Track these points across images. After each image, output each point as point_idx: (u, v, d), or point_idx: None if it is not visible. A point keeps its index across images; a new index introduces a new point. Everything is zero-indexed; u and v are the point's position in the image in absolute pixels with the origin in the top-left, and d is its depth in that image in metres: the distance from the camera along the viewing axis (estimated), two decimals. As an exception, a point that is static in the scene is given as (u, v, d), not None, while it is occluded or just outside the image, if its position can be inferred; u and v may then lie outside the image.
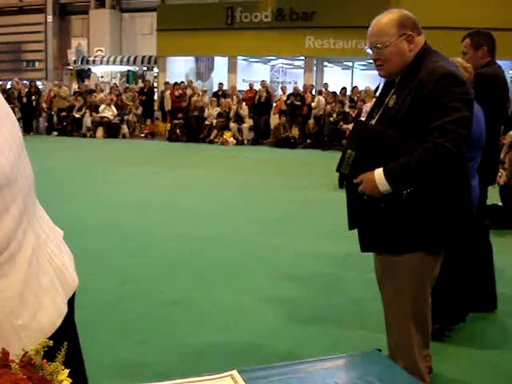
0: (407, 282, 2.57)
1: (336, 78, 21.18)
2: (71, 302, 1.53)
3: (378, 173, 2.43)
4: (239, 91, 18.81)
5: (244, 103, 17.43)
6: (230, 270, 5.32)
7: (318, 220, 7.45)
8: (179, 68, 21.34)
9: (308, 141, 16.92)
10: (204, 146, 16.60)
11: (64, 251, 1.53)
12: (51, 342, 1.18)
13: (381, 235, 2.58)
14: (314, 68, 20.68)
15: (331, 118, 16.36)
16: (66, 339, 1.33)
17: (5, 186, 1.18)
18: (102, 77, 22.51)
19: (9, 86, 19.66)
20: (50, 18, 23.62)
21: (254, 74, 22.32)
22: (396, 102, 2.51)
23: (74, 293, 1.55)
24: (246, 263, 5.54)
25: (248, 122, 17.23)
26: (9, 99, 18.01)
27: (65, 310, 1.44)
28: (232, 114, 17.37)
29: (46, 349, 1.18)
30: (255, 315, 4.27)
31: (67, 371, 1.17)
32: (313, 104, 17.02)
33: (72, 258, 1.58)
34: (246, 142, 17.07)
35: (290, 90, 17.96)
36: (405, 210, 2.47)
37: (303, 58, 20.19)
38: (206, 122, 17.63)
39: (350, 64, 22.76)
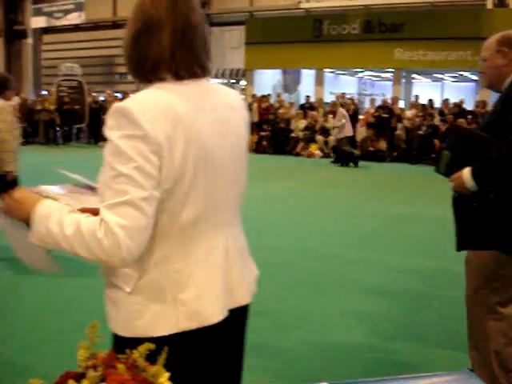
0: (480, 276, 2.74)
1: (425, 91, 20.76)
2: (241, 317, 1.66)
3: (467, 170, 2.61)
4: (325, 103, 18.80)
5: (330, 116, 17.41)
6: (315, 283, 5.32)
7: (406, 235, 7.31)
8: (266, 81, 21.56)
9: (395, 154, 16.65)
10: (290, 158, 16.67)
11: (246, 266, 1.67)
12: (153, 345, 1.25)
13: (475, 233, 2.71)
14: (403, 80, 20.37)
15: (420, 132, 16.05)
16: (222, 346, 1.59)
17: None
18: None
19: (102, 98, 20.50)
20: (142, 32, 24.50)
21: (341, 86, 22.23)
22: (493, 109, 2.81)
23: (245, 312, 1.67)
24: (332, 277, 5.52)
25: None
26: (102, 110, 18.82)
27: (224, 313, 1.55)
28: (318, 126, 17.35)
29: (148, 352, 1.25)
30: (340, 329, 4.25)
31: (168, 374, 1.23)
32: (407, 115, 16.74)
33: (253, 278, 1.70)
34: (331, 154, 17.03)
35: (378, 103, 17.77)
36: (495, 209, 2.60)
37: (392, 70, 19.93)
38: (293, 135, 17.69)
39: (440, 76, 22.25)
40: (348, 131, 15.09)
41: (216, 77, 22.01)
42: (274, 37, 19.56)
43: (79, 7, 25.27)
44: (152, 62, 1.49)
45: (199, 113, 1.46)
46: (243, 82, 21.63)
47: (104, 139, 1.43)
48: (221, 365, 1.62)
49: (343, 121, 14.91)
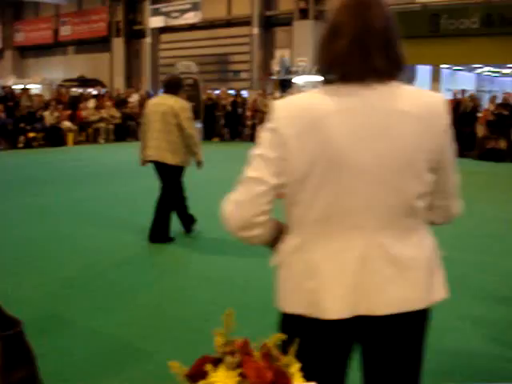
0: None
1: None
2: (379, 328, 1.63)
3: None
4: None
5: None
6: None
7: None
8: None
9: (516, 153, 15.89)
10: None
11: (401, 280, 1.60)
12: (284, 336, 1.29)
13: None
14: (526, 76, 19.38)
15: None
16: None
17: None
18: (303, 86, 23.12)
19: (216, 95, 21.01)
20: (255, 31, 24.77)
21: (458, 82, 21.47)
22: None
23: (387, 324, 1.62)
24: (447, 280, 5.37)
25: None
26: (216, 107, 19.29)
27: (344, 314, 1.57)
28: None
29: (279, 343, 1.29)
30: (454, 333, 4.14)
31: (299, 365, 1.27)
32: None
33: (413, 294, 1.63)
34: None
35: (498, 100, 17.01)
36: None
37: (513, 65, 19.03)
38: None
39: None
40: None
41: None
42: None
43: (195, 7, 25.98)
44: (327, 65, 1.60)
45: (343, 115, 1.53)
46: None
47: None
48: (336, 363, 1.68)
49: None
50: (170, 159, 6.24)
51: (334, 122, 1.52)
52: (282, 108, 1.58)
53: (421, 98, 1.61)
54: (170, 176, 6.37)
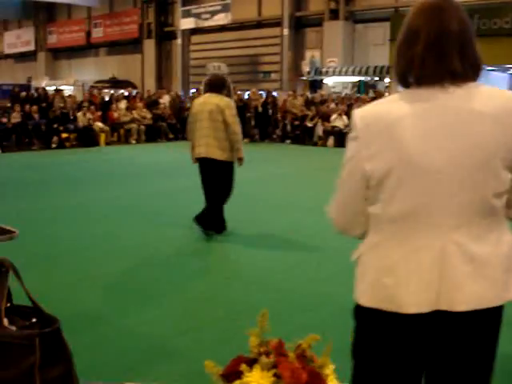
0: None
1: None
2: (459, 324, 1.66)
3: None
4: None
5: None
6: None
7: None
8: (411, 77, 21.04)
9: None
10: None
11: (481, 277, 1.63)
12: (318, 337, 1.29)
13: None
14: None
15: None
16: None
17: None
18: (333, 87, 23.05)
19: (246, 96, 21.02)
20: (286, 31, 24.75)
21: (491, 83, 21.13)
22: None
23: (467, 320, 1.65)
24: None
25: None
26: (246, 108, 19.31)
27: (421, 308, 1.63)
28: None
29: (314, 343, 1.30)
30: None
31: (333, 366, 1.27)
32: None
33: (491, 291, 1.65)
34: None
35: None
36: None
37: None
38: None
39: None
40: None
41: (359, 74, 21.82)
42: (420, 32, 19.02)
43: (226, 8, 26.07)
44: (404, 69, 1.68)
45: (416, 118, 1.61)
46: (387, 80, 21.26)
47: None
48: (414, 359, 1.73)
49: None
50: (219, 155, 6.43)
51: (408, 124, 1.60)
52: (359, 116, 1.69)
53: (498, 98, 1.64)
54: (221, 171, 6.53)
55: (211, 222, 6.68)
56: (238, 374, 1.22)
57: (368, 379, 1.71)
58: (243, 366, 1.21)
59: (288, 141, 19.40)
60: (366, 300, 1.70)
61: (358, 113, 1.70)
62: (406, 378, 1.74)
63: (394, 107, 1.64)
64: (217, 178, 6.56)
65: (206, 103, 6.51)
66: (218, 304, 4.68)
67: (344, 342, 3.67)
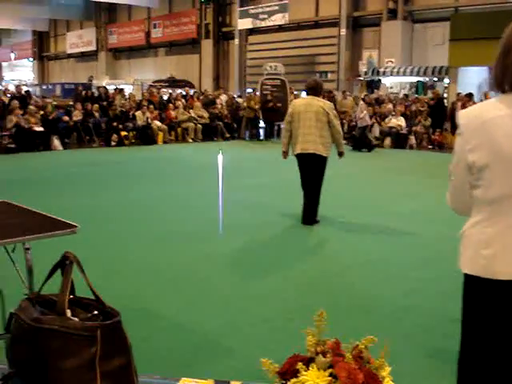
0: None
1: None
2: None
3: None
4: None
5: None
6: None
7: None
8: (471, 79, 20.57)
9: None
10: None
11: None
12: (376, 339, 1.29)
13: None
14: None
15: None
16: None
17: None
18: (391, 87, 22.76)
19: (303, 95, 20.96)
20: (343, 31, 24.58)
21: None
22: None
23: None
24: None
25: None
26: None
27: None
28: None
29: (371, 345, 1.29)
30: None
31: (389, 368, 1.26)
32: None
33: None
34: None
35: None
36: None
37: None
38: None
39: None
40: None
41: (418, 74, 21.47)
42: (481, 32, 18.52)
43: (283, 8, 26.09)
44: (501, 77, 1.99)
45: (507, 118, 1.92)
46: (446, 80, 20.84)
47: None
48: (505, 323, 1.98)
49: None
50: (323, 151, 7.22)
51: (501, 124, 1.92)
52: (462, 116, 2.04)
53: None
54: (322, 166, 7.32)
55: (314, 212, 7.46)
56: (295, 373, 1.22)
57: (473, 342, 2.03)
58: (300, 365, 1.22)
59: (344, 141, 19.22)
60: (468, 269, 2.03)
61: (462, 113, 2.06)
62: (508, 340, 1.98)
63: (491, 108, 1.96)
64: (318, 170, 7.34)
65: (310, 105, 7.28)
66: (271, 303, 4.70)
67: (399, 345, 3.64)
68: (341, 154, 7.61)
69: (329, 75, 25.52)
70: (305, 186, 7.48)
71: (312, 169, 7.36)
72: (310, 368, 1.22)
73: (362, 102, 18.07)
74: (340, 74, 24.75)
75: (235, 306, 4.62)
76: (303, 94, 21.28)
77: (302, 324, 1.39)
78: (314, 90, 7.48)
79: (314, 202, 7.44)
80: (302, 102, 7.53)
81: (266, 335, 4.04)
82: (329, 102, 7.57)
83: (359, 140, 17.26)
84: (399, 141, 17.80)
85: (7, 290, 3.56)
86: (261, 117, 20.40)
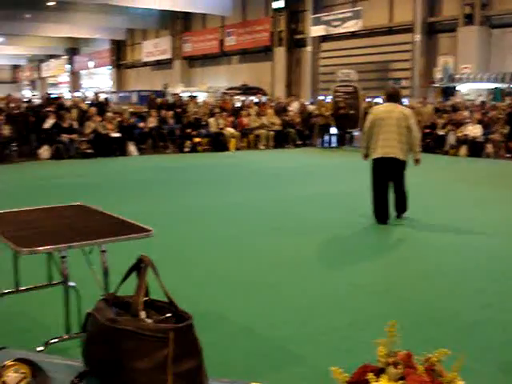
0: None
1: None
2: None
3: None
4: None
5: None
6: None
7: None
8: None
9: None
10: None
11: None
12: (449, 352, 1.25)
13: None
14: None
15: None
16: None
17: None
18: (467, 94, 22.18)
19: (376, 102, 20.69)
20: (417, 37, 24.15)
21: None
22: None
23: None
24: None
25: None
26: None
27: None
28: None
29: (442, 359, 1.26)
30: None
31: (462, 383, 1.23)
32: None
33: None
34: None
35: None
36: None
37: None
38: None
39: None
40: None
41: (495, 81, 20.84)
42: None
43: (357, 15, 25.90)
44: None
45: None
46: (525, 87, 20.15)
47: None
48: None
49: None
50: (402, 156, 7.58)
51: None
52: None
53: None
54: (402, 168, 7.70)
55: (404, 205, 7.92)
56: (365, 383, 1.21)
57: None
58: (370, 375, 1.20)
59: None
60: None
61: None
62: None
63: None
64: (398, 173, 7.74)
65: (391, 111, 7.62)
66: (342, 311, 4.66)
67: (473, 359, 3.53)
68: (417, 161, 7.82)
69: (402, 82, 25.10)
70: (378, 188, 7.79)
71: (391, 172, 7.71)
72: (381, 379, 1.20)
73: None
74: (414, 81, 24.31)
75: (305, 313, 4.60)
76: (376, 100, 21.09)
77: (372, 333, 1.38)
78: (394, 97, 7.85)
79: (402, 196, 7.86)
80: (382, 109, 7.83)
81: (335, 344, 4.01)
82: (409, 109, 7.99)
83: None
84: (475, 149, 17.30)
85: (84, 291, 3.69)
86: (333, 124, 20.30)
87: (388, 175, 7.74)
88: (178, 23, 38.04)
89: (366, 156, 7.92)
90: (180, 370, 1.36)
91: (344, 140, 20.62)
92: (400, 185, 7.81)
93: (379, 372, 1.22)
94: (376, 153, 7.64)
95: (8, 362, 1.43)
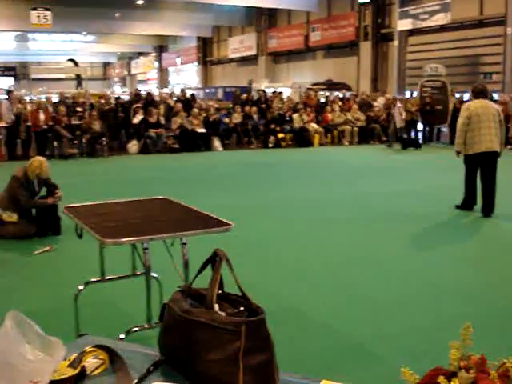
0: None
1: None
2: None
3: None
4: None
5: None
6: None
7: None
8: None
9: None
10: None
11: None
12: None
13: None
14: None
15: None
16: None
17: None
18: None
19: (466, 97, 20.02)
20: (510, 30, 23.18)
21: None
22: None
23: None
24: None
25: None
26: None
27: None
28: None
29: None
30: None
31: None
32: None
33: None
34: None
35: None
36: None
37: None
38: None
39: None
40: None
41: None
42: None
43: (445, 8, 25.14)
44: None
45: None
46: None
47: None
48: None
49: None
50: (498, 148, 8.01)
51: None
52: None
53: None
54: (496, 161, 8.03)
55: (492, 202, 8.05)
56: (435, 386, 1.19)
57: None
58: (441, 378, 1.18)
59: (509, 146, 18.10)
60: None
61: None
62: None
63: None
64: (494, 165, 8.04)
65: (487, 107, 8.02)
66: (426, 311, 4.56)
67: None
68: (500, 154, 8.15)
69: (493, 76, 24.18)
70: (472, 181, 8.14)
71: (489, 164, 8.03)
72: (452, 383, 1.18)
73: (398, 104, 18.68)
74: (506, 76, 23.36)
75: (384, 313, 4.55)
76: (465, 96, 20.43)
77: (451, 336, 1.35)
78: (484, 93, 8.26)
79: (493, 190, 8.06)
80: (478, 105, 8.07)
81: (414, 344, 3.94)
82: (498, 105, 8.56)
83: (405, 139, 18.33)
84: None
85: (165, 282, 3.79)
86: (419, 119, 19.84)
87: (482, 169, 8.07)
88: (263, 19, 38.20)
89: (460, 153, 8.14)
90: (251, 363, 1.38)
91: (431, 136, 20.13)
92: (494, 177, 8.07)
93: (451, 376, 1.19)
94: (474, 148, 7.94)
95: (88, 348, 1.50)
